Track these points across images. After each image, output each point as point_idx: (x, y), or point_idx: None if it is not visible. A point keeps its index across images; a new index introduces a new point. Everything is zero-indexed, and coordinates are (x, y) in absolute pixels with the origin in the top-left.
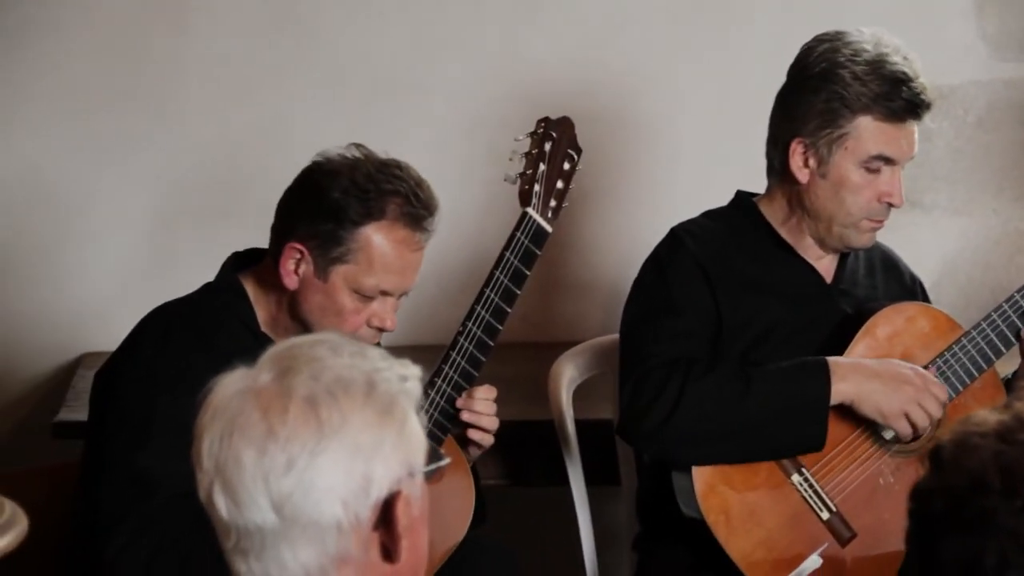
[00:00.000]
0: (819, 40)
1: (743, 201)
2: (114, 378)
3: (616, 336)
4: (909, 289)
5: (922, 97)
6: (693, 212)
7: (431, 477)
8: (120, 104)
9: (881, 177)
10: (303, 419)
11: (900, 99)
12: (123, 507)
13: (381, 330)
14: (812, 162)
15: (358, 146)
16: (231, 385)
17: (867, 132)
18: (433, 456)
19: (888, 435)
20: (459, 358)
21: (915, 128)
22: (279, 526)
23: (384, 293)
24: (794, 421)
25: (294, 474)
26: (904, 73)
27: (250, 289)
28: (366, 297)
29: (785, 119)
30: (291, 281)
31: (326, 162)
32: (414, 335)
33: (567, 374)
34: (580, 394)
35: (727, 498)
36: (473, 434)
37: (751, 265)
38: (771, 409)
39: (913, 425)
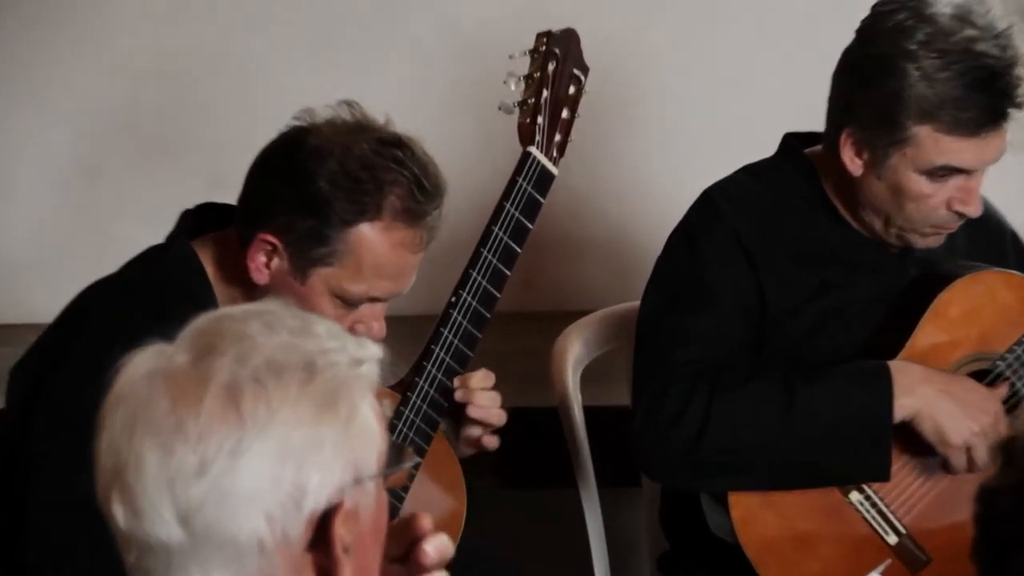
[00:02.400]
0: (896, 3)
1: (793, 153)
2: (45, 376)
3: (636, 304)
4: (997, 244)
5: (1009, 101)
6: (734, 152)
7: (390, 479)
8: (32, 25)
9: (951, 182)
10: (220, 412)
11: (974, 108)
12: (64, 539)
13: (367, 338)
14: (866, 157)
15: (351, 106)
16: (141, 365)
17: (929, 142)
18: (396, 456)
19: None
20: (451, 336)
21: (1000, 132)
22: (187, 543)
23: (373, 300)
24: (850, 448)
25: (207, 480)
26: (992, 67)
27: (208, 266)
28: (350, 303)
29: (839, 98)
30: (260, 276)
31: (312, 132)
32: (395, 305)
33: (574, 350)
34: (590, 375)
35: (771, 527)
36: (488, 441)
37: (802, 234)
38: (821, 433)
39: (970, 461)
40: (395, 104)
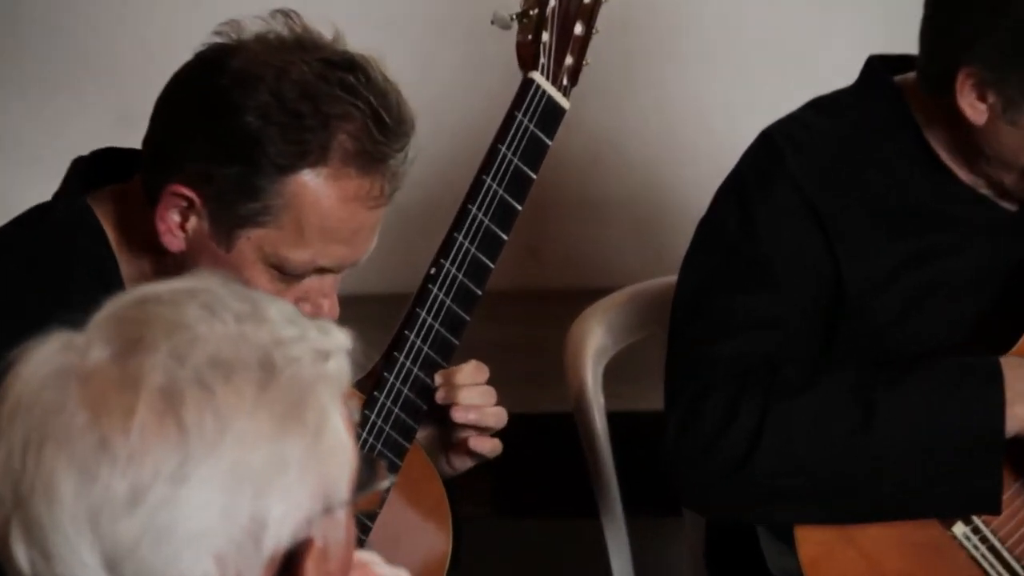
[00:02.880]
0: None
1: (879, 82)
2: None
3: (674, 279)
4: None
5: None
6: (801, 81)
7: (361, 499)
8: None
9: None
10: (156, 425)
11: None
12: None
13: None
14: (993, 101)
15: (288, 17)
16: (44, 362)
17: None
18: (369, 472)
19: None
20: (430, 318)
21: None
22: None
23: (321, 271)
24: (947, 471)
25: (140, 513)
26: None
27: (109, 229)
28: (291, 275)
29: (946, 28)
30: (173, 241)
31: (237, 52)
32: (357, 280)
33: (594, 339)
34: (615, 371)
35: (851, 568)
36: (477, 443)
37: (891, 188)
38: (909, 451)
39: None
40: (355, 17)
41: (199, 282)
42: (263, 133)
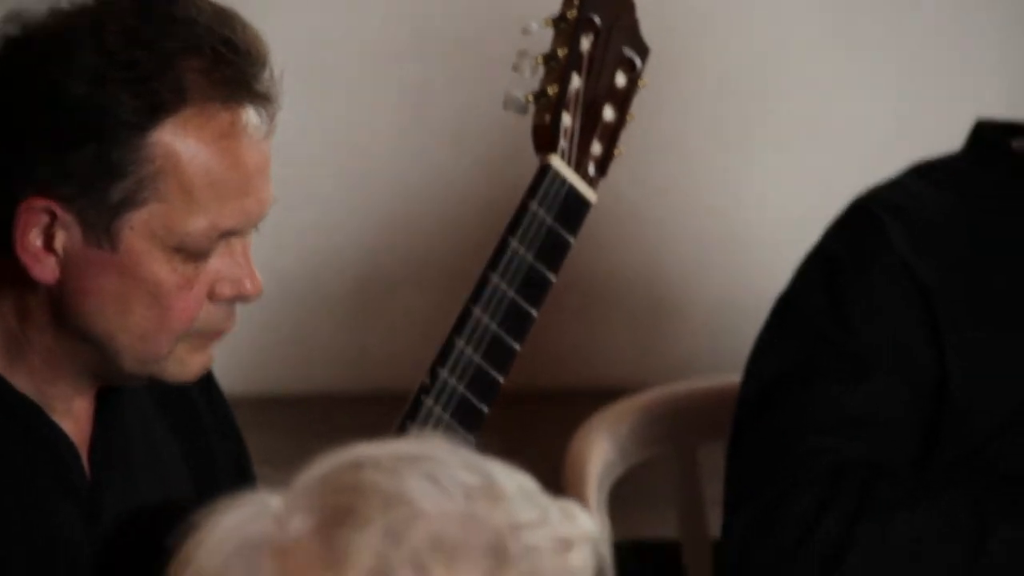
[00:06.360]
0: None
1: (992, 146)
2: None
3: (701, 385)
4: None
5: None
6: (863, 171)
7: None
8: None
9: None
10: None
11: None
12: None
13: (238, 300)
14: None
15: None
16: (233, 529)
17: None
18: None
19: None
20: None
21: None
22: None
23: (227, 234)
24: None
25: None
26: None
27: None
28: (196, 253)
29: None
30: (45, 270)
31: (36, 32)
32: (358, 378)
33: (600, 455)
34: (627, 495)
35: None
36: None
37: (1007, 274)
38: None
39: None
40: (354, 95)
41: (423, 447)
42: (102, 97)
